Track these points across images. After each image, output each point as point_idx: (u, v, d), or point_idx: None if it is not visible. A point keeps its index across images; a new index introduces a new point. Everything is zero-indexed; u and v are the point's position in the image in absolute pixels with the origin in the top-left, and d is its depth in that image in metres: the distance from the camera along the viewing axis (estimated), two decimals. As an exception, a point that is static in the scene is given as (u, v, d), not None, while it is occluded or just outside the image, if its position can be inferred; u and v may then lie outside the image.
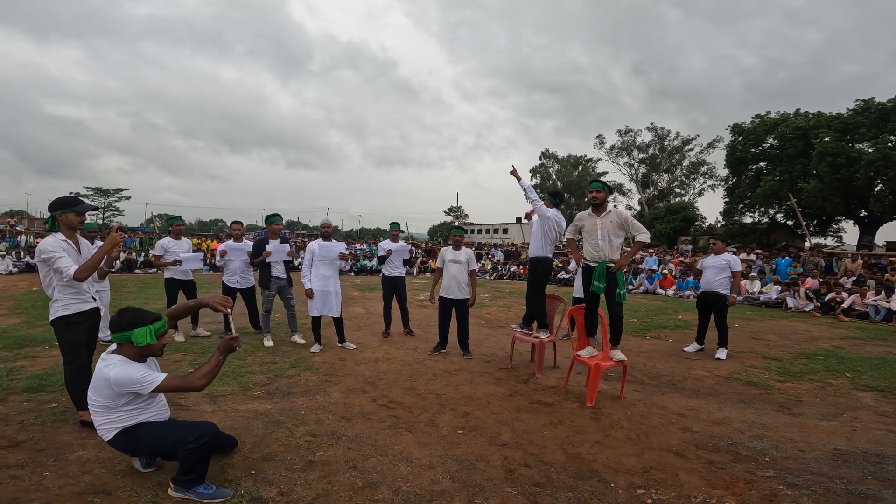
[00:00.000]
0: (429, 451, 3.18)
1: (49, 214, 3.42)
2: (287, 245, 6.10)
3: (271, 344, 5.95)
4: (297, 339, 6.26)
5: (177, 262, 6.03)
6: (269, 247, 5.90)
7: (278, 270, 6.04)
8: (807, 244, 19.97)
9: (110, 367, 2.52)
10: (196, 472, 2.49)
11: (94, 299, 3.55)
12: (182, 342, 5.91)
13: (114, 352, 2.62)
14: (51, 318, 3.39)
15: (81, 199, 3.59)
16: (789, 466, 3.07)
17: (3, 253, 15.39)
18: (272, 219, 6.11)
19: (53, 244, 3.26)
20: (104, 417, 2.59)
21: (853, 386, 4.95)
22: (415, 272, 19.12)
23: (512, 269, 19.19)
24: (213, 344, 5.91)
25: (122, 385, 2.49)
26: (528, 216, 5.57)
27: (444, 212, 69.55)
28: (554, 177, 51.48)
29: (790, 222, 27.36)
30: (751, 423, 3.81)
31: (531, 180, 51.67)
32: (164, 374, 2.60)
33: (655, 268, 15.75)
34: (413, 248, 22.07)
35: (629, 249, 4.64)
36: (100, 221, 40.96)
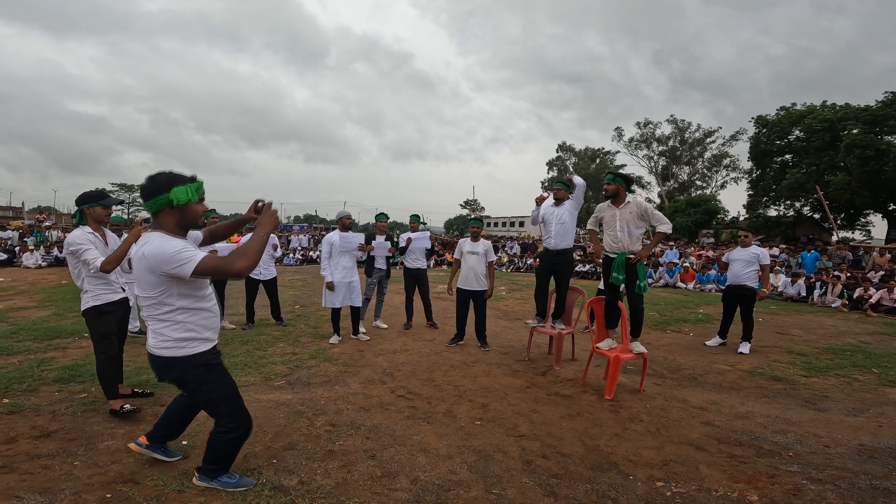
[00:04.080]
0: (447, 441, 3.20)
1: (76, 209, 3.52)
2: (389, 242, 6.48)
3: (384, 326, 6.86)
4: (380, 323, 6.90)
5: (213, 252, 6.18)
6: (374, 242, 6.16)
7: (380, 263, 6.59)
8: (834, 238, 19.47)
9: (147, 244, 2.19)
10: (223, 462, 2.51)
11: (123, 290, 3.66)
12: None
13: (152, 230, 2.30)
14: (82, 308, 3.50)
15: (107, 193, 3.71)
16: (813, 461, 3.02)
17: (32, 248, 15.84)
18: (380, 217, 6.77)
19: (81, 237, 3.37)
20: (164, 321, 2.30)
21: (880, 382, 4.83)
22: (430, 265, 19.15)
23: (529, 262, 19.09)
24: (235, 335, 6.01)
25: (159, 259, 2.14)
26: (542, 199, 5.36)
27: (461, 205, 69.50)
28: (571, 169, 50.99)
29: (817, 216, 26.71)
30: (774, 418, 3.75)
31: (548, 173, 51.36)
32: (204, 252, 2.25)
33: (676, 261, 15.53)
34: (433, 234, 22.09)
35: (649, 242, 4.59)
36: (125, 217, 41.90)
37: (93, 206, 3.50)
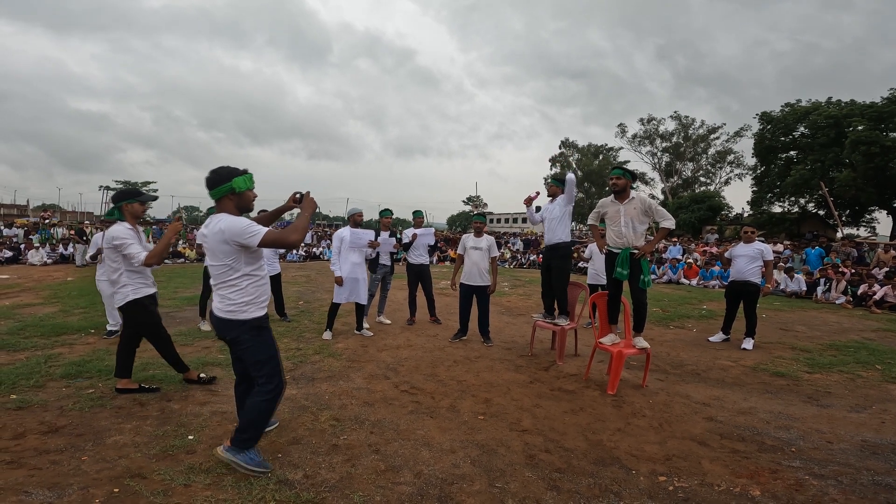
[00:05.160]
0: (450, 436, 3.22)
1: (113, 205, 3.75)
2: (394, 238, 6.53)
3: (387, 321, 6.88)
4: (384, 319, 6.89)
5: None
6: (378, 238, 6.21)
7: (384, 259, 6.60)
8: (838, 234, 19.39)
9: (220, 221, 2.62)
10: (254, 428, 2.68)
11: (154, 284, 3.93)
12: (209, 331, 6.05)
13: (217, 213, 2.73)
14: (121, 302, 3.71)
15: (142, 191, 3.94)
16: (816, 457, 3.03)
17: (38, 245, 15.92)
18: (384, 213, 6.77)
19: (124, 232, 3.61)
20: (232, 286, 2.67)
21: (883, 378, 4.83)
22: (434, 261, 19.16)
23: (532, 258, 19.10)
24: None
25: (234, 232, 2.57)
26: (529, 201, 5.42)
27: (463, 201, 69.53)
28: (574, 166, 50.85)
29: (822, 212, 26.60)
30: (777, 414, 3.76)
31: (550, 169, 51.17)
32: (266, 228, 2.66)
33: (679, 257, 15.50)
34: (436, 230, 22.14)
35: (652, 238, 4.59)
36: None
37: (131, 203, 3.74)
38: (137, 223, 3.80)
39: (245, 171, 2.76)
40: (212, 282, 2.77)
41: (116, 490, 2.43)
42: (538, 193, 5.39)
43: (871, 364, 5.32)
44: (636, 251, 4.33)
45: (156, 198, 4.07)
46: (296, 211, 2.99)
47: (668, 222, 4.30)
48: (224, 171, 2.70)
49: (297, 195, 2.94)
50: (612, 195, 4.55)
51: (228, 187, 2.68)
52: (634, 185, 4.57)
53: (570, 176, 5.12)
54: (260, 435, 2.73)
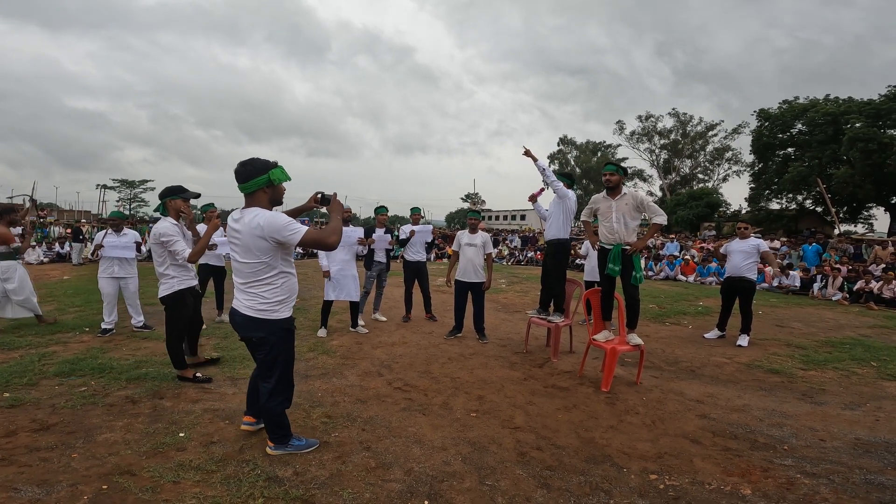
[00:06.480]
0: (442, 433, 3.21)
1: (159, 202, 3.93)
2: (389, 235, 6.58)
3: (383, 318, 6.91)
4: (379, 316, 6.93)
5: (213, 247, 6.05)
6: (374, 235, 6.27)
7: (380, 256, 6.60)
8: (836, 231, 19.40)
9: (257, 216, 2.54)
10: (281, 429, 2.80)
11: (196, 277, 4.13)
12: (205, 328, 6.03)
13: (247, 207, 2.65)
14: (166, 292, 3.87)
15: (185, 188, 4.06)
16: (808, 455, 3.02)
17: (34, 244, 15.88)
18: (379, 210, 6.78)
19: (171, 229, 3.78)
20: (267, 284, 2.63)
21: (878, 375, 4.83)
22: (432, 258, 19.12)
23: (529, 255, 19.10)
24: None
25: (274, 228, 2.50)
26: (534, 198, 5.55)
27: (462, 198, 69.49)
28: (572, 163, 50.75)
29: (819, 209, 26.60)
30: (770, 411, 3.76)
31: (549, 166, 50.98)
32: (306, 226, 2.62)
33: (677, 254, 15.50)
34: (436, 228, 22.13)
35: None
36: (126, 212, 41.85)
37: (174, 199, 3.89)
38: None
39: (276, 164, 2.68)
40: (240, 280, 2.68)
41: (105, 487, 2.43)
42: (542, 190, 5.41)
43: (867, 361, 5.33)
44: (628, 247, 4.32)
45: (198, 195, 4.14)
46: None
47: (660, 218, 4.29)
48: (258, 163, 2.62)
49: (319, 195, 2.88)
50: (605, 191, 4.54)
51: (265, 179, 2.60)
52: (626, 181, 4.57)
53: (539, 162, 5.16)
54: (289, 427, 2.84)
